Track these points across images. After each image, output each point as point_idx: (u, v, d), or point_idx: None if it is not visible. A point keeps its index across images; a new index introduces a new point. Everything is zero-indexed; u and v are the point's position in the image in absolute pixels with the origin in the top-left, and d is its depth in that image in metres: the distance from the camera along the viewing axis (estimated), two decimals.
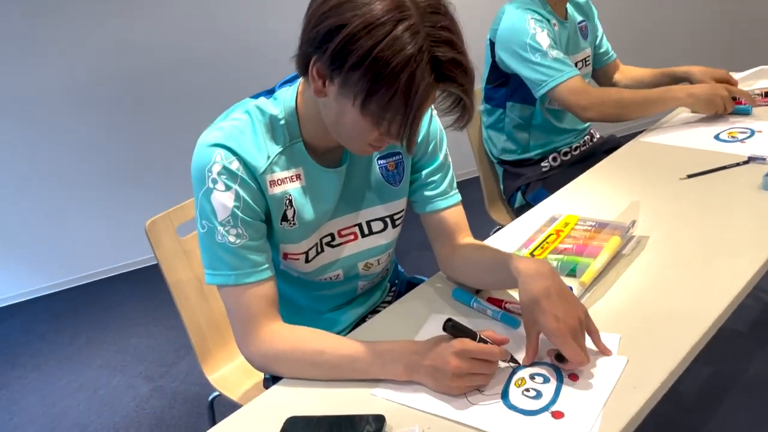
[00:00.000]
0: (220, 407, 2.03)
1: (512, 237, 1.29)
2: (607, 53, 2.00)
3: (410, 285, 1.38)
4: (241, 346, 1.02)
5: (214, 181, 0.97)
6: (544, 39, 1.65)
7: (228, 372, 1.54)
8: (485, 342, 0.90)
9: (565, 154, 1.83)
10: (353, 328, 1.24)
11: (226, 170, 0.97)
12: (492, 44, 1.76)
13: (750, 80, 1.89)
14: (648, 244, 1.18)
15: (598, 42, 1.96)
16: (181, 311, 1.47)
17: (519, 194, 1.86)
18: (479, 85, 1.91)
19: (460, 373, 0.87)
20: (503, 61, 1.72)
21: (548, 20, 1.71)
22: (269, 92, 1.05)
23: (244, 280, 0.99)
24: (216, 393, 1.52)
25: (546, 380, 0.91)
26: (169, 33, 2.95)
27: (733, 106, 1.65)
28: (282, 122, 1.01)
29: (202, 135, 1.01)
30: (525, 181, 1.84)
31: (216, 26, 3.00)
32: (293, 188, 1.04)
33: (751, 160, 1.42)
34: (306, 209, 1.06)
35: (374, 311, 1.30)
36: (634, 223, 1.19)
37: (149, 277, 3.04)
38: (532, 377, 0.92)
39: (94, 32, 2.85)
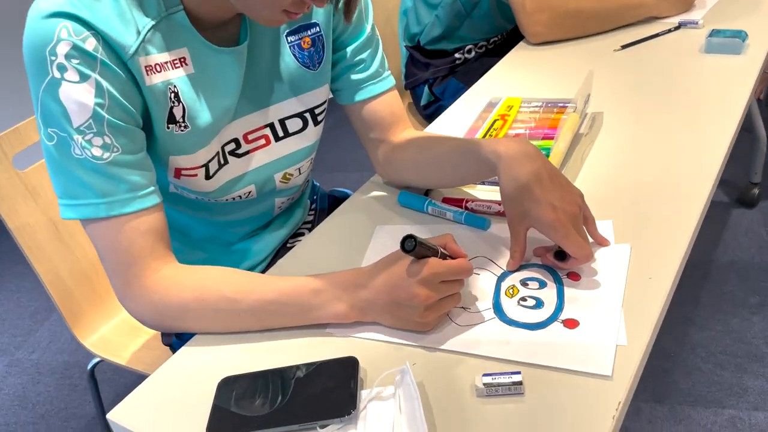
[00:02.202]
0: (102, 374, 1.72)
1: (448, 130, 1.10)
2: None
3: (333, 200, 1.15)
4: (124, 300, 0.75)
5: (62, 68, 0.66)
6: None
7: (108, 332, 1.24)
8: (446, 257, 0.70)
9: (481, 47, 1.64)
10: (273, 259, 1.00)
11: (79, 51, 0.66)
12: None
13: None
14: (605, 121, 1.04)
15: None
16: (34, 264, 1.13)
17: (426, 87, 1.66)
18: None
19: (433, 303, 0.67)
20: None
21: None
22: None
23: (119, 210, 0.71)
24: (96, 360, 1.23)
25: (542, 284, 0.74)
26: None
27: None
28: None
29: (35, 3, 0.68)
30: (433, 74, 1.63)
31: None
32: (178, 77, 0.75)
33: (682, 25, 1.32)
34: (199, 106, 0.77)
35: (294, 235, 1.06)
36: (588, 97, 1.04)
37: None
38: (524, 283, 0.75)
39: None
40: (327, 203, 1.14)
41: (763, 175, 1.96)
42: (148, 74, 0.72)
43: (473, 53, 1.63)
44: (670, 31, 1.31)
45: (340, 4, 0.70)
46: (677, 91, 1.10)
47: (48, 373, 1.81)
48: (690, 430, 1.34)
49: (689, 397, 1.41)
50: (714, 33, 1.21)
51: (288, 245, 1.03)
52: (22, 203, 1.12)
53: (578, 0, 1.39)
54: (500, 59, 1.39)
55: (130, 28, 0.70)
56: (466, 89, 1.27)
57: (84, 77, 0.67)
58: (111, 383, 1.71)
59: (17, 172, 1.11)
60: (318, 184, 1.18)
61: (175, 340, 1.02)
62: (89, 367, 1.27)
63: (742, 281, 1.68)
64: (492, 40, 1.65)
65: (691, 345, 1.52)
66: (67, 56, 0.66)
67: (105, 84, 0.68)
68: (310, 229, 1.07)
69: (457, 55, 1.62)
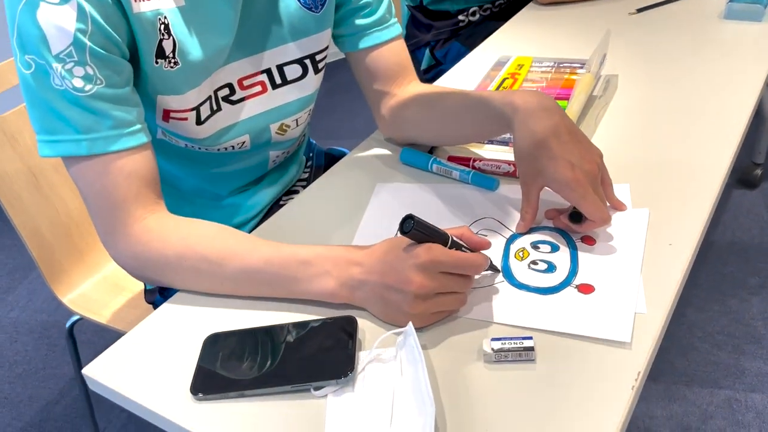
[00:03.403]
0: (82, 334, 1.67)
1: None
2: None
3: (329, 158, 1.09)
4: (106, 245, 0.70)
5: None
6: None
7: (88, 289, 1.19)
8: (460, 248, 0.61)
9: (486, 9, 1.57)
10: (264, 217, 0.95)
11: None
12: None
13: None
14: (620, 84, 0.99)
15: None
16: (12, 217, 1.07)
17: (427, 51, 1.59)
18: None
19: (426, 294, 0.58)
20: None
21: None
22: None
23: (102, 148, 0.65)
24: (75, 317, 1.17)
25: (554, 248, 0.69)
26: None
27: None
28: None
29: None
30: (435, 37, 1.57)
31: None
32: (169, 8, 0.69)
33: None
34: (191, 41, 0.71)
35: (288, 192, 1.00)
36: (604, 57, 0.98)
37: None
38: (535, 246, 0.70)
39: None
40: (323, 161, 1.08)
41: (766, 156, 1.92)
42: (136, 1, 0.66)
43: (477, 16, 1.56)
44: None
45: None
46: (695, 57, 1.04)
47: (26, 332, 1.75)
48: (685, 409, 1.31)
49: (685, 376, 1.38)
50: None
51: (281, 202, 0.98)
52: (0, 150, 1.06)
53: None
54: (504, 23, 1.33)
55: None
56: (469, 53, 1.21)
57: None
58: (91, 344, 1.66)
59: None
60: (314, 142, 1.12)
61: (159, 297, 0.97)
62: (68, 324, 1.21)
63: (741, 262, 1.65)
64: (497, 3, 1.58)
65: (688, 325, 1.50)
66: None
67: (88, 8, 0.61)
68: (305, 187, 1.01)
69: (460, 17, 1.55)
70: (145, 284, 1.00)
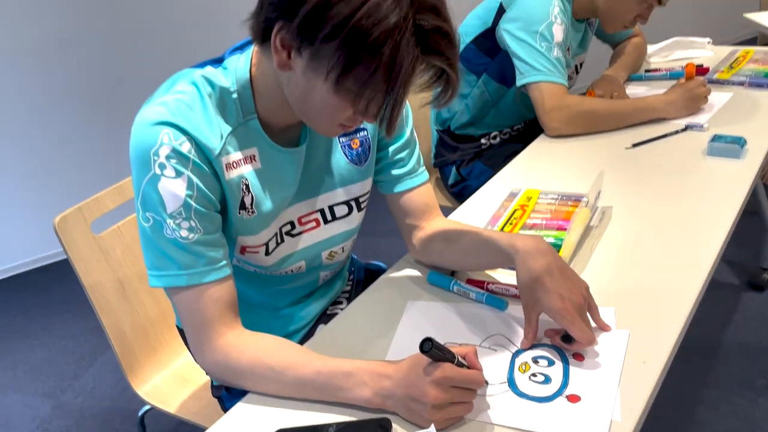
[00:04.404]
0: (149, 421, 1.84)
1: (472, 215, 1.24)
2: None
3: (368, 272, 1.29)
4: (196, 355, 0.89)
5: (162, 167, 0.82)
6: (558, 33, 1.53)
7: (160, 382, 1.37)
8: (462, 365, 0.78)
9: (505, 133, 1.80)
10: (315, 324, 1.14)
11: (176, 153, 0.82)
12: (501, 10, 1.61)
13: (664, 52, 1.97)
14: (614, 215, 1.17)
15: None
16: (102, 317, 1.28)
17: (454, 168, 1.81)
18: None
19: (441, 404, 0.75)
20: (503, 35, 1.59)
21: (567, 17, 1.61)
22: (217, 61, 0.90)
23: (198, 280, 0.85)
24: (147, 407, 1.35)
25: (551, 363, 0.86)
26: None
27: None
28: (234, 96, 0.88)
29: (142, 112, 0.85)
30: (461, 157, 1.79)
31: None
32: (248, 172, 0.91)
33: (688, 127, 1.46)
34: (264, 196, 0.93)
35: (334, 303, 1.19)
36: (599, 194, 1.17)
37: (33, 282, 2.70)
38: (535, 361, 0.87)
39: None
40: (363, 275, 1.28)
41: None
42: (227, 170, 0.88)
43: (498, 139, 1.79)
44: (677, 132, 1.45)
45: (384, 123, 0.84)
46: (681, 189, 1.23)
47: (91, 417, 1.93)
48: None
49: None
50: (716, 138, 1.34)
51: (328, 312, 1.17)
52: (95, 263, 1.28)
53: (592, 101, 1.55)
54: (521, 145, 1.55)
55: (215, 133, 0.86)
56: (490, 172, 1.41)
57: (179, 174, 0.83)
58: (149, 427, 1.82)
59: (94, 236, 1.27)
60: (355, 257, 1.32)
61: (224, 392, 1.14)
62: (140, 413, 1.39)
63: (749, 363, 1.76)
64: (515, 128, 1.81)
65: (698, 423, 1.60)
66: (167, 157, 0.82)
67: (195, 179, 0.84)
68: (347, 298, 1.21)
69: (483, 141, 1.78)
70: (212, 380, 1.19)
